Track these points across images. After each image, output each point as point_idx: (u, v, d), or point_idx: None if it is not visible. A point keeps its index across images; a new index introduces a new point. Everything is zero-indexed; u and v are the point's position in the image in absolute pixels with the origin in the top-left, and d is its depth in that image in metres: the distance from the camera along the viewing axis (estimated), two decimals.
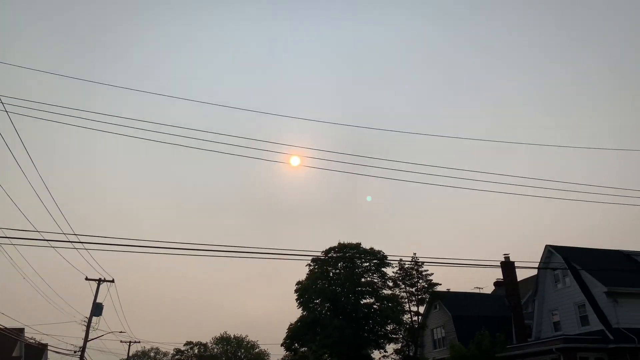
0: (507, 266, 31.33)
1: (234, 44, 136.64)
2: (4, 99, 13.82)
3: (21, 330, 40.54)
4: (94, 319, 34.95)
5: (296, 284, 42.47)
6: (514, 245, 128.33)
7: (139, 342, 58.05)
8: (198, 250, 14.84)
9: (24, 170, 16.36)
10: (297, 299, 41.80)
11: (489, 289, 46.97)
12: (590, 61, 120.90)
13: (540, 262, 31.05)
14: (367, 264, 43.06)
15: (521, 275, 35.58)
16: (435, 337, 40.88)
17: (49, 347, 46.79)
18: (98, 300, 35.42)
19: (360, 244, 42.46)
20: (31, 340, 50.47)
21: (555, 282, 30.97)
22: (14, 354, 44.33)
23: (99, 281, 35.87)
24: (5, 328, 32.69)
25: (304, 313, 41.35)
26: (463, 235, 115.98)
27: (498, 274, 42.60)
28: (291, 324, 41.88)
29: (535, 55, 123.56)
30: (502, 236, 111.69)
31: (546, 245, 31.35)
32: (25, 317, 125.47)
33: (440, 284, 42.15)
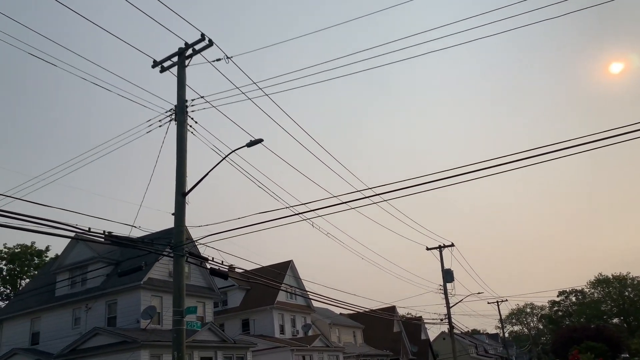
0: None
1: None
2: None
3: (392, 308, 43.81)
4: (448, 285, 34.67)
5: None
6: None
7: (506, 300, 55.78)
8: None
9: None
10: None
11: None
12: None
13: None
14: None
15: None
16: None
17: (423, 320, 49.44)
18: (445, 267, 35.05)
19: None
20: (408, 315, 54.70)
21: None
22: (394, 330, 48.51)
23: (440, 248, 35.50)
24: (379, 310, 35.59)
25: None
26: None
27: None
28: None
29: None
30: None
31: None
32: (392, 296, 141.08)
33: None
